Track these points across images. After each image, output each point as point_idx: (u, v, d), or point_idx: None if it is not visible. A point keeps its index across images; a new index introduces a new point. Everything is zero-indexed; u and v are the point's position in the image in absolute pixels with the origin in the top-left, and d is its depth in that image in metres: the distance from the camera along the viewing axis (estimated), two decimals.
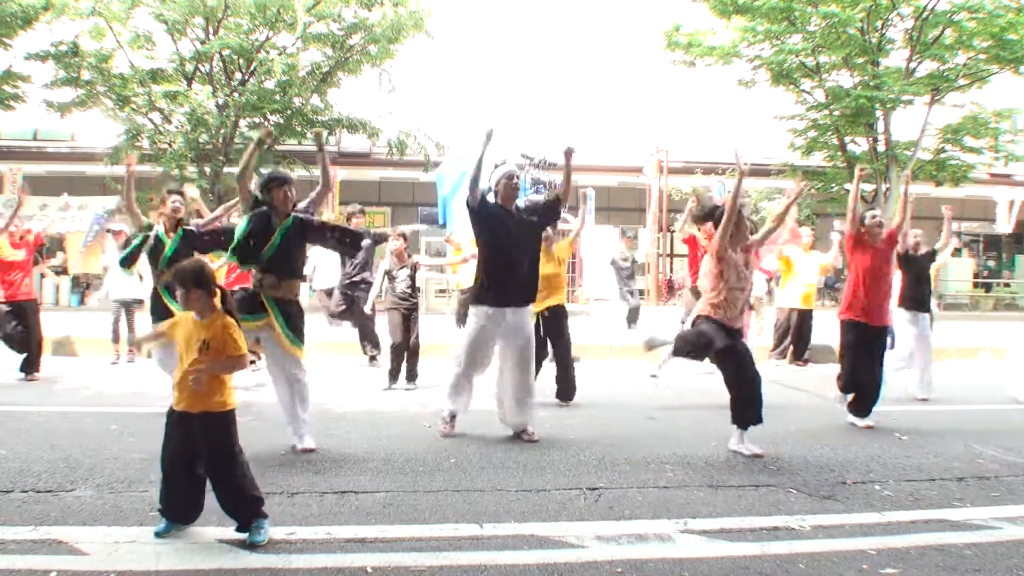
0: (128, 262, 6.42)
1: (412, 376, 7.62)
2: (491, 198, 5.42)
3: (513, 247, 5.27)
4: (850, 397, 6.09)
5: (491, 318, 5.27)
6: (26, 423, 5.58)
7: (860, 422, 5.96)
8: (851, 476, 4.53)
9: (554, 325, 6.92)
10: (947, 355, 10.86)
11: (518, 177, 5.49)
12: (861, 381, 6.00)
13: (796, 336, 9.77)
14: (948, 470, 4.72)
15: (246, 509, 3.28)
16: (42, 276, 17.51)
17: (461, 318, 9.10)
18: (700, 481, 4.36)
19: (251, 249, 4.86)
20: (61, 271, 18.06)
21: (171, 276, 3.41)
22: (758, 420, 4.95)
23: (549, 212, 5.59)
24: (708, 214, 5.48)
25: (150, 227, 6.14)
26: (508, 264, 5.26)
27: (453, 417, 5.44)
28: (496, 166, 5.56)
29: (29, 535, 3.29)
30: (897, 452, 5.17)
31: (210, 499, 3.48)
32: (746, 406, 4.93)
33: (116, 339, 9.03)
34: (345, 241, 5.31)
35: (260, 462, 4.55)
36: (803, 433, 5.71)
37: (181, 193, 6.32)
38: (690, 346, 5.04)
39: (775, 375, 9.06)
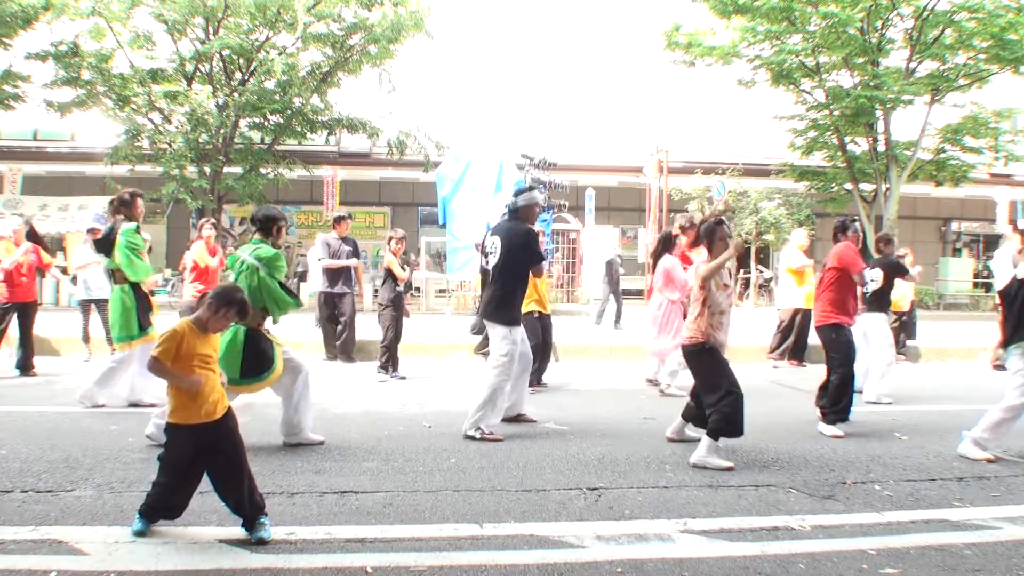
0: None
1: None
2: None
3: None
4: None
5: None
6: (26, 423, 5.58)
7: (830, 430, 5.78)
8: (851, 476, 4.52)
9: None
10: (947, 355, 10.86)
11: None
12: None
13: (798, 336, 9.77)
14: (948, 470, 4.72)
15: (256, 503, 3.31)
16: (42, 276, 17.59)
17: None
18: (700, 481, 4.36)
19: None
20: (61, 271, 18.06)
21: (243, 309, 3.41)
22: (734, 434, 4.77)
23: None
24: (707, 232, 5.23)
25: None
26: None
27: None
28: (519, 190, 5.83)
29: (29, 535, 3.29)
30: (897, 452, 5.17)
31: (210, 499, 3.48)
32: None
33: (87, 338, 9.28)
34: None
35: (260, 462, 4.56)
36: (803, 433, 5.71)
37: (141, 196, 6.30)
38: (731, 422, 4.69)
39: (775, 375, 9.07)
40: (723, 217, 5.28)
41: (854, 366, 5.93)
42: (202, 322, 3.34)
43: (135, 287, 6.04)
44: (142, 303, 6.05)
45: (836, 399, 5.79)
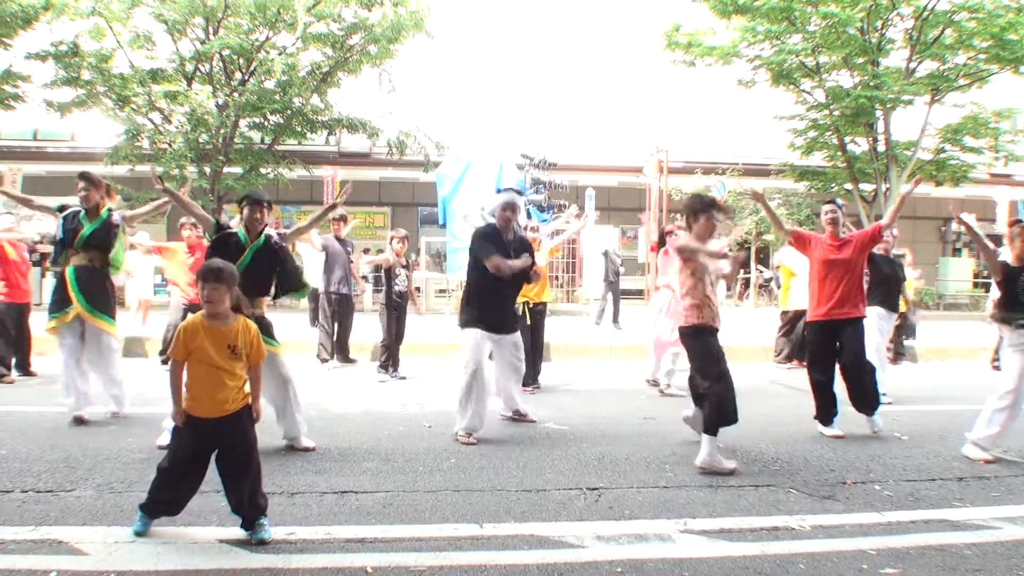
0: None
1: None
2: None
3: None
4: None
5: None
6: (26, 423, 5.58)
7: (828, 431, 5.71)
8: (851, 476, 4.53)
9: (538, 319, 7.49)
10: (947, 355, 10.86)
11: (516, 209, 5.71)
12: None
13: (801, 335, 9.75)
14: (948, 470, 4.72)
15: (257, 505, 3.31)
16: (43, 276, 17.59)
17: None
18: (700, 481, 4.36)
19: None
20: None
21: (213, 274, 3.29)
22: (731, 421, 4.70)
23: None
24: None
25: (62, 208, 5.88)
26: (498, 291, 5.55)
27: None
28: (498, 191, 6.02)
29: (29, 535, 3.29)
30: (897, 452, 5.17)
31: (210, 499, 3.49)
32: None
33: None
34: (284, 285, 5.22)
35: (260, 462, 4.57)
36: (803, 433, 5.71)
37: (88, 178, 5.85)
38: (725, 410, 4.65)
39: (775, 375, 9.07)
40: (712, 202, 4.96)
41: (815, 366, 5.75)
42: (205, 311, 3.34)
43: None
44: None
45: (814, 399, 5.80)
